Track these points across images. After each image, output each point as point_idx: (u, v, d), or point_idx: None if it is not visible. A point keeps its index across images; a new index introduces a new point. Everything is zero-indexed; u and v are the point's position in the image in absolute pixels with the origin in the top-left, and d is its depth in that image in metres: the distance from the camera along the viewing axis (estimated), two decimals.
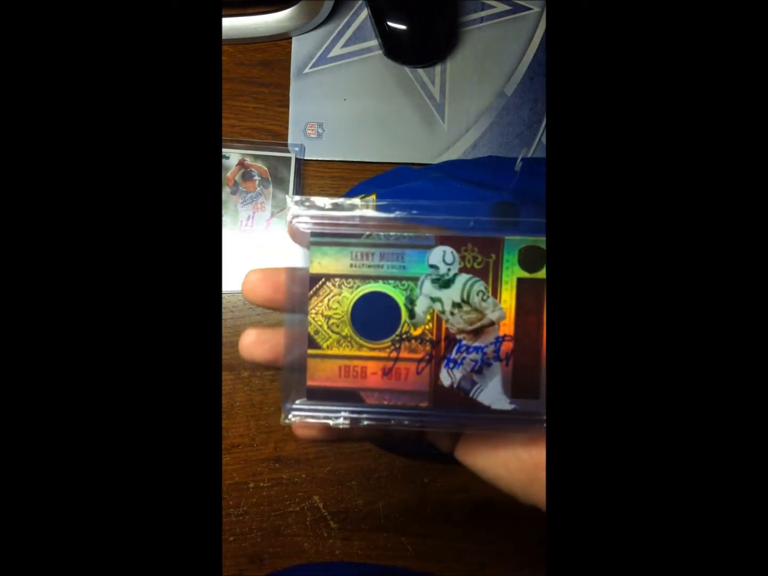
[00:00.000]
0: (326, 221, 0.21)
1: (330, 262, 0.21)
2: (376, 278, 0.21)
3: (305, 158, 0.47)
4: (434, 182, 0.38)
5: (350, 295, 0.22)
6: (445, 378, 0.22)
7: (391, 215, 0.21)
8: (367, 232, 0.21)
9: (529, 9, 0.48)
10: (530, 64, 0.47)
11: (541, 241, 0.21)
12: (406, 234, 0.21)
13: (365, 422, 0.22)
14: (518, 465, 0.22)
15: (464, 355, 0.21)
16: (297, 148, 0.46)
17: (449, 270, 0.21)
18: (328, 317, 0.22)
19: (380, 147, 0.47)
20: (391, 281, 0.21)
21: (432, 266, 0.21)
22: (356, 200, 0.21)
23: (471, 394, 0.21)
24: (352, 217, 0.21)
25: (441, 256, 0.21)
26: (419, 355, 0.22)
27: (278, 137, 0.47)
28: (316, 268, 0.21)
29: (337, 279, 0.22)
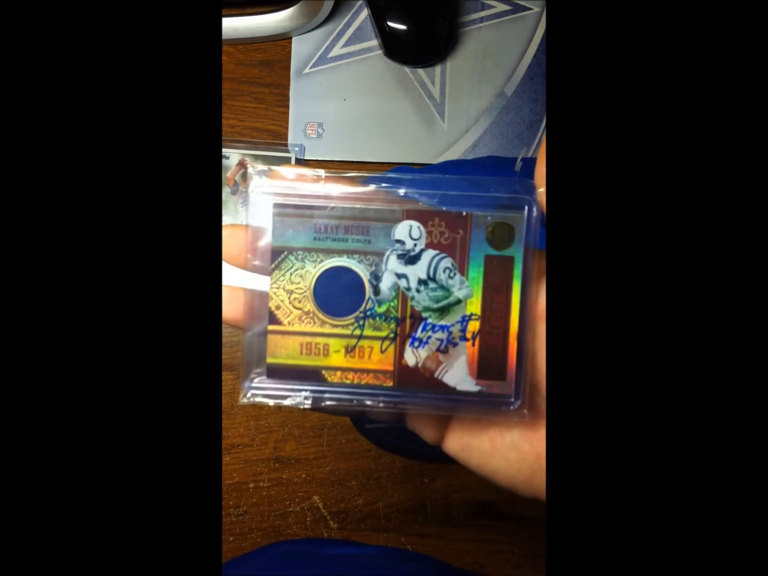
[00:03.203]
0: (290, 192, 0.21)
1: (293, 234, 0.21)
2: (340, 252, 0.21)
3: (305, 158, 0.47)
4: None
5: (313, 269, 0.21)
6: (410, 357, 0.21)
7: (356, 188, 0.20)
8: (332, 204, 0.20)
9: (529, 9, 0.48)
10: (530, 64, 0.47)
11: (509, 217, 0.20)
12: (371, 207, 0.20)
13: (327, 402, 0.21)
14: (519, 456, 0.21)
15: (430, 333, 0.21)
16: (297, 148, 0.46)
17: (415, 245, 0.20)
18: (290, 292, 0.21)
19: (380, 147, 0.47)
20: (356, 256, 0.21)
21: (398, 241, 0.20)
22: (321, 171, 0.21)
23: (436, 375, 0.21)
24: (317, 189, 0.21)
25: (407, 230, 0.20)
26: (383, 333, 0.21)
27: (278, 137, 0.47)
28: (278, 241, 0.21)
29: (300, 252, 0.21)
